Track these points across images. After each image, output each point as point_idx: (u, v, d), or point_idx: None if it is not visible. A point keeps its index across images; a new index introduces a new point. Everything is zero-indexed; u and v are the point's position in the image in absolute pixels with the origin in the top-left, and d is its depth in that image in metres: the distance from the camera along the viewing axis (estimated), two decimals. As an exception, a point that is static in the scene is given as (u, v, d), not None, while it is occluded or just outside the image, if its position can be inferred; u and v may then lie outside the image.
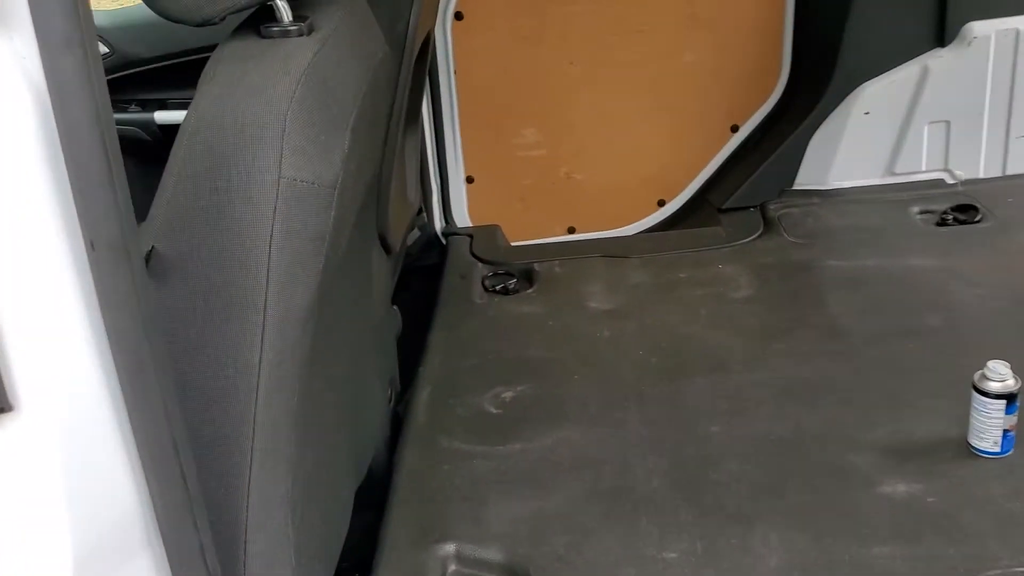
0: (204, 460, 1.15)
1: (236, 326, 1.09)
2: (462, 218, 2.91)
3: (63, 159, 0.77)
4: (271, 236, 1.06)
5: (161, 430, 0.87)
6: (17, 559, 0.83)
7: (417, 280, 2.74)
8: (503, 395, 2.07)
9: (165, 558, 0.92)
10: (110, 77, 2.73)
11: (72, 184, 0.77)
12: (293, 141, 1.06)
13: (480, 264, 2.67)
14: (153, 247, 1.07)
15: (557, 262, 2.62)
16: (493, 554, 1.66)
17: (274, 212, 1.06)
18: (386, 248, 2.16)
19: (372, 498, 1.88)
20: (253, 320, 1.09)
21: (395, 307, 2.24)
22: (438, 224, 2.88)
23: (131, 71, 2.73)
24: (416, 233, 2.73)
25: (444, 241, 2.85)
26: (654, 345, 2.21)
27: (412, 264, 2.76)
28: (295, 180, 1.06)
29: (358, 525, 1.82)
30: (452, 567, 1.66)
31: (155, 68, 2.74)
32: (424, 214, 2.78)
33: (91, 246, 0.80)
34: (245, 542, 1.20)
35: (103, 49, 2.70)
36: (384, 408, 2.02)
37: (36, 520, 0.82)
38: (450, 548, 1.67)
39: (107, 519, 0.87)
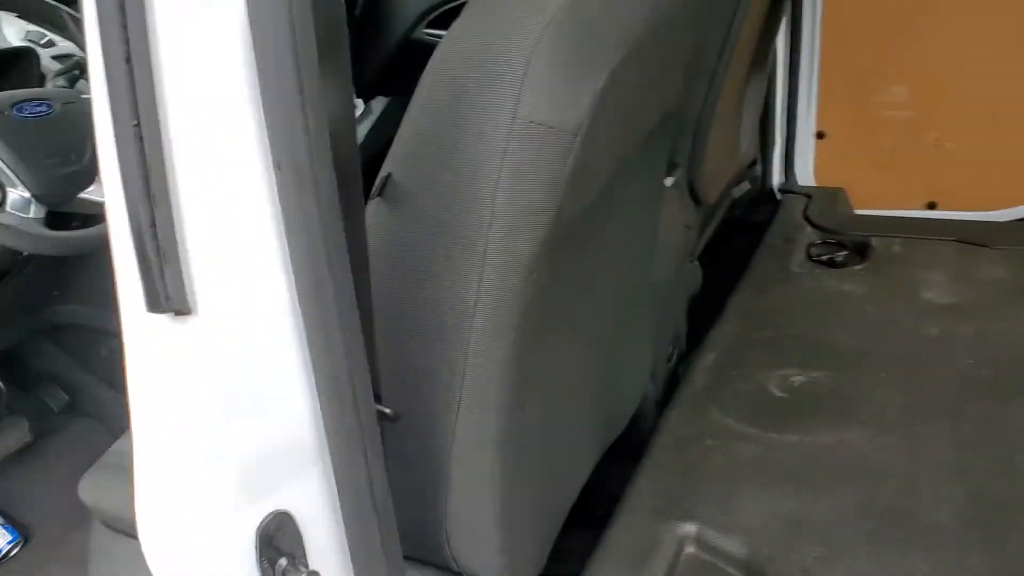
0: (416, 392, 1.16)
1: (456, 266, 1.06)
2: (805, 176, 2.67)
3: (258, 80, 0.77)
4: (498, 178, 1.01)
5: (336, 357, 0.87)
6: (185, 458, 0.88)
7: (741, 236, 2.58)
8: (792, 378, 1.89)
9: (334, 482, 0.94)
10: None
11: (263, 102, 0.78)
12: (535, 81, 0.99)
13: (810, 229, 2.44)
14: (390, 174, 1.07)
15: (900, 240, 2.32)
16: (736, 547, 1.53)
17: (504, 154, 1.01)
18: (696, 199, 2.04)
19: (630, 454, 1.82)
20: (473, 263, 1.06)
21: (696, 263, 2.11)
22: (776, 179, 2.67)
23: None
24: (746, 186, 2.55)
25: (779, 198, 2.64)
26: (990, 355, 1.89)
27: (738, 218, 2.60)
28: (531, 122, 1.00)
29: (618, 476, 1.78)
30: (689, 548, 1.56)
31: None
32: (758, 166, 2.59)
33: (277, 166, 0.80)
34: (449, 478, 1.20)
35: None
36: (660, 367, 1.93)
37: (206, 421, 0.86)
38: (691, 528, 1.57)
39: (278, 430, 0.89)
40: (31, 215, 1.59)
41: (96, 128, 0.79)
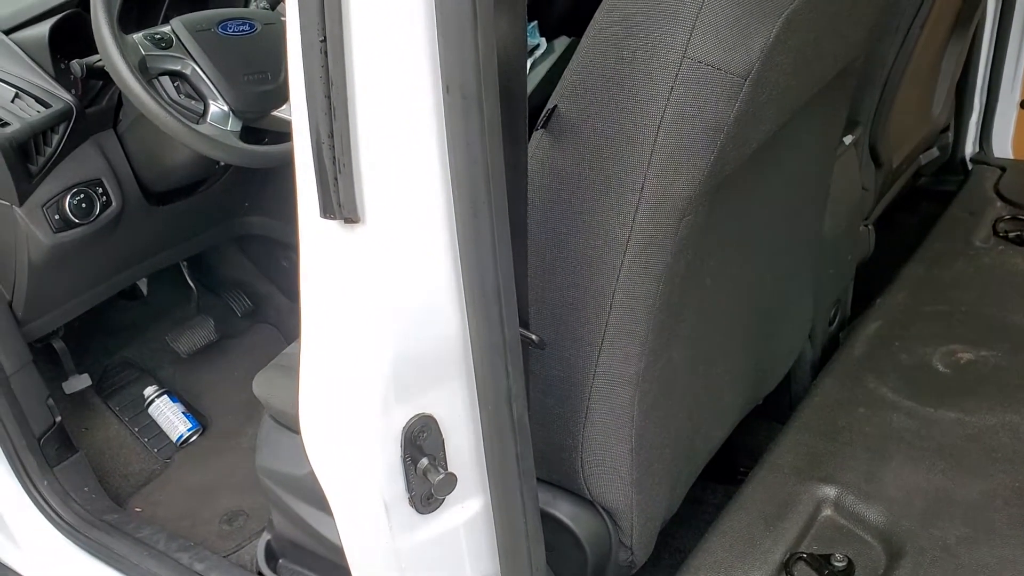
0: (564, 320, 1.20)
1: (612, 200, 1.08)
2: (1003, 147, 2.51)
3: (435, 5, 0.81)
4: (662, 116, 1.02)
5: (486, 275, 0.92)
6: (343, 357, 0.95)
7: (925, 204, 2.46)
8: (959, 355, 1.81)
9: (476, 393, 0.99)
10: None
11: (438, 25, 0.82)
12: (707, 21, 0.99)
13: (1000, 203, 2.30)
14: (556, 106, 1.10)
15: (1106, 221, 2.16)
16: (875, 515, 1.51)
17: (670, 92, 1.01)
18: (876, 160, 1.96)
19: (780, 415, 1.81)
20: (628, 198, 1.07)
21: (870, 227, 2.04)
22: (969, 148, 2.52)
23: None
24: (934, 153, 2.42)
25: (969, 168, 2.49)
26: None
27: (922, 185, 2.48)
28: (699, 62, 1.00)
29: (764, 436, 1.77)
30: (827, 511, 1.54)
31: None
32: (950, 133, 2.45)
33: (446, 90, 0.84)
34: (587, 408, 1.23)
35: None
36: (820, 329, 1.89)
37: (364, 324, 0.93)
38: (831, 491, 1.55)
39: (429, 338, 0.95)
40: (228, 128, 1.71)
41: (288, 43, 0.86)
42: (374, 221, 0.88)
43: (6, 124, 1.71)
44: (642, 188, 1.06)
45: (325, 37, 0.81)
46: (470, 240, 0.90)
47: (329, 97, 0.83)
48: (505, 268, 0.93)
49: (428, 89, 0.85)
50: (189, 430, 2.24)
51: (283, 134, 1.83)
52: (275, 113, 1.81)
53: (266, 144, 1.79)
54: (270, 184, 2.22)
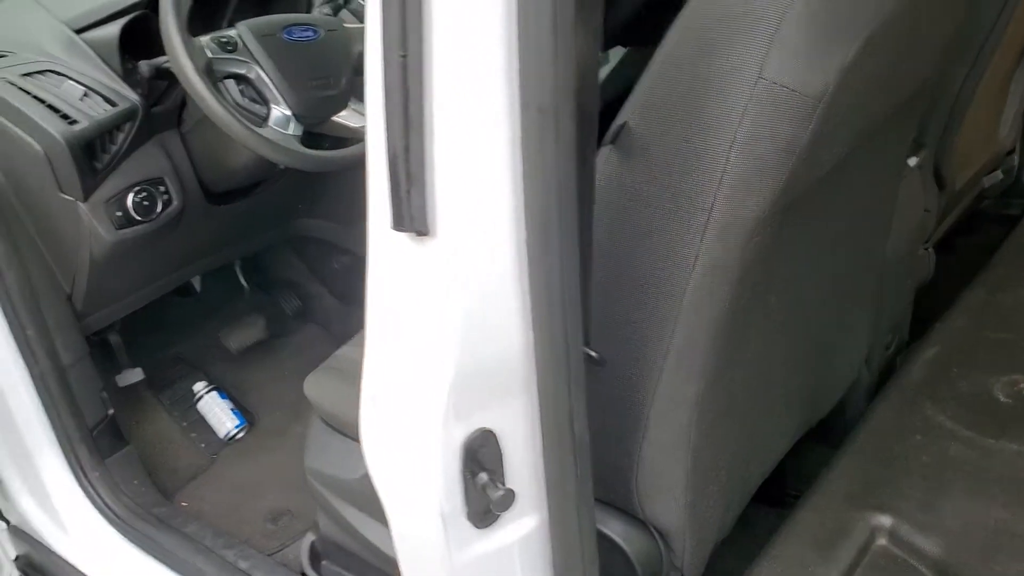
0: (627, 339, 1.19)
1: (680, 220, 1.07)
2: (1070, 171, 2.45)
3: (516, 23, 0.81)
4: (735, 136, 1.01)
5: (552, 291, 0.91)
6: (407, 369, 0.95)
7: (987, 228, 2.42)
8: (1022, 385, 1.76)
9: (537, 409, 0.99)
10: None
11: (520, 43, 0.82)
12: (784, 41, 0.98)
13: (1068, 227, 2.24)
14: (626, 122, 1.09)
15: None
16: (932, 546, 1.47)
17: (743, 112, 1.00)
18: (939, 182, 1.93)
19: (833, 439, 1.78)
20: (698, 219, 1.06)
21: (930, 250, 2.00)
22: (1034, 171, 2.47)
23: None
24: (998, 175, 2.38)
25: (1033, 191, 2.44)
26: None
27: (985, 209, 2.44)
28: (775, 83, 0.98)
29: (816, 460, 1.74)
30: (881, 540, 1.51)
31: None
32: (1015, 156, 2.40)
33: (525, 107, 0.84)
34: (645, 428, 1.22)
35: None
36: (877, 353, 1.85)
37: (431, 336, 0.93)
38: (886, 520, 1.52)
39: (493, 352, 0.95)
40: (290, 132, 1.72)
41: (367, 58, 0.86)
42: (445, 235, 0.88)
43: (75, 122, 1.74)
44: (711, 208, 1.05)
45: (406, 53, 0.81)
46: (538, 257, 0.90)
47: (407, 112, 0.83)
48: (571, 285, 0.92)
49: (504, 105, 0.85)
50: (237, 427, 2.26)
51: (343, 139, 1.84)
52: (335, 118, 1.82)
53: (326, 149, 1.80)
54: (326, 187, 2.23)
